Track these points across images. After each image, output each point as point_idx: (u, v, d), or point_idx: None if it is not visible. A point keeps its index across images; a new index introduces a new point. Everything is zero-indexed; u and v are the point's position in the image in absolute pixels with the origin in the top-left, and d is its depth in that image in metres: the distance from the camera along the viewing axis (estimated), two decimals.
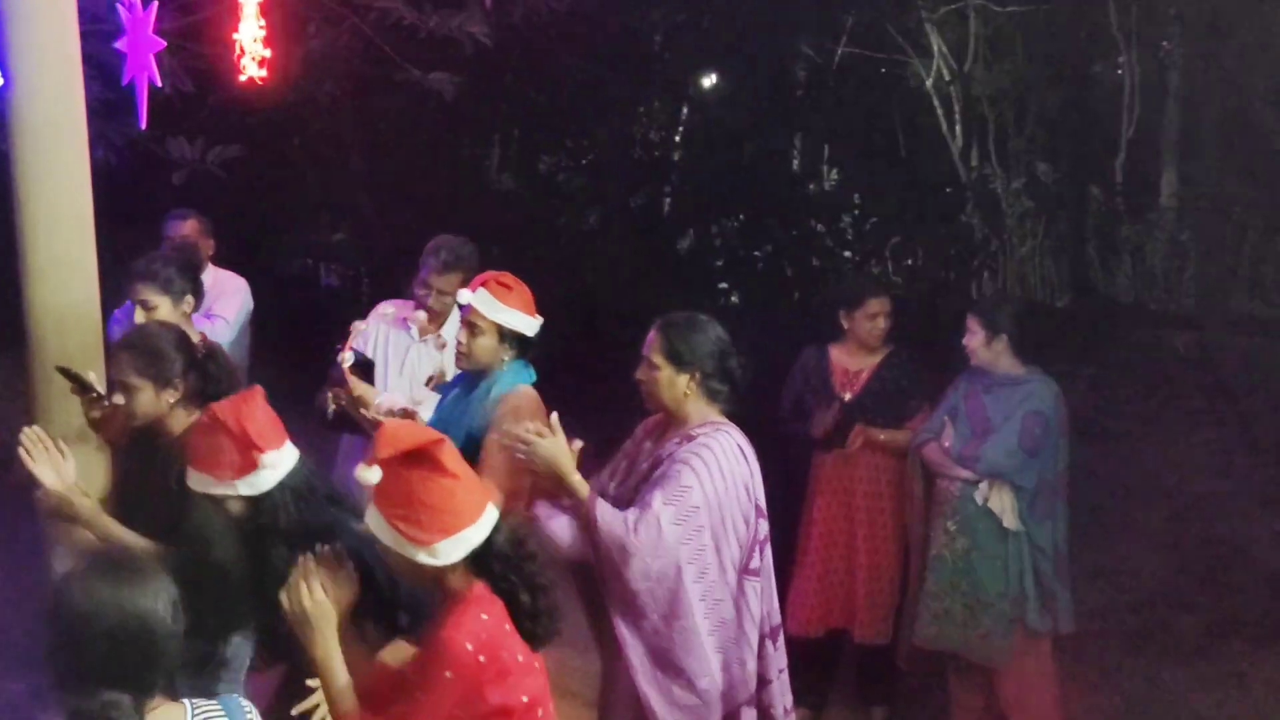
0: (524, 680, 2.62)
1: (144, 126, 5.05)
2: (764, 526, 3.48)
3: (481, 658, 2.53)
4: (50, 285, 4.71)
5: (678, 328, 3.47)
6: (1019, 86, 12.18)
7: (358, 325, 4.37)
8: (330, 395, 4.16)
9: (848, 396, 4.77)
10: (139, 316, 4.14)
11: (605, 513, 3.26)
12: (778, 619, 3.61)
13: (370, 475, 2.65)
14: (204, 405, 3.50)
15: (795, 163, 13.03)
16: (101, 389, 4.07)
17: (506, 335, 3.85)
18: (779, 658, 3.59)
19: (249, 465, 3.03)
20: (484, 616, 2.59)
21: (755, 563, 3.44)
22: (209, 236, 5.51)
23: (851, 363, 4.88)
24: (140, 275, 4.21)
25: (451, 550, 2.58)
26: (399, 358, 4.75)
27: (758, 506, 3.44)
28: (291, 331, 9.28)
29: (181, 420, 3.59)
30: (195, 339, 4.11)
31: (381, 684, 2.70)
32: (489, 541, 2.63)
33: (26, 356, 4.78)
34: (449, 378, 4.56)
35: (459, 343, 3.91)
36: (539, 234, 12.29)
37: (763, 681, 3.52)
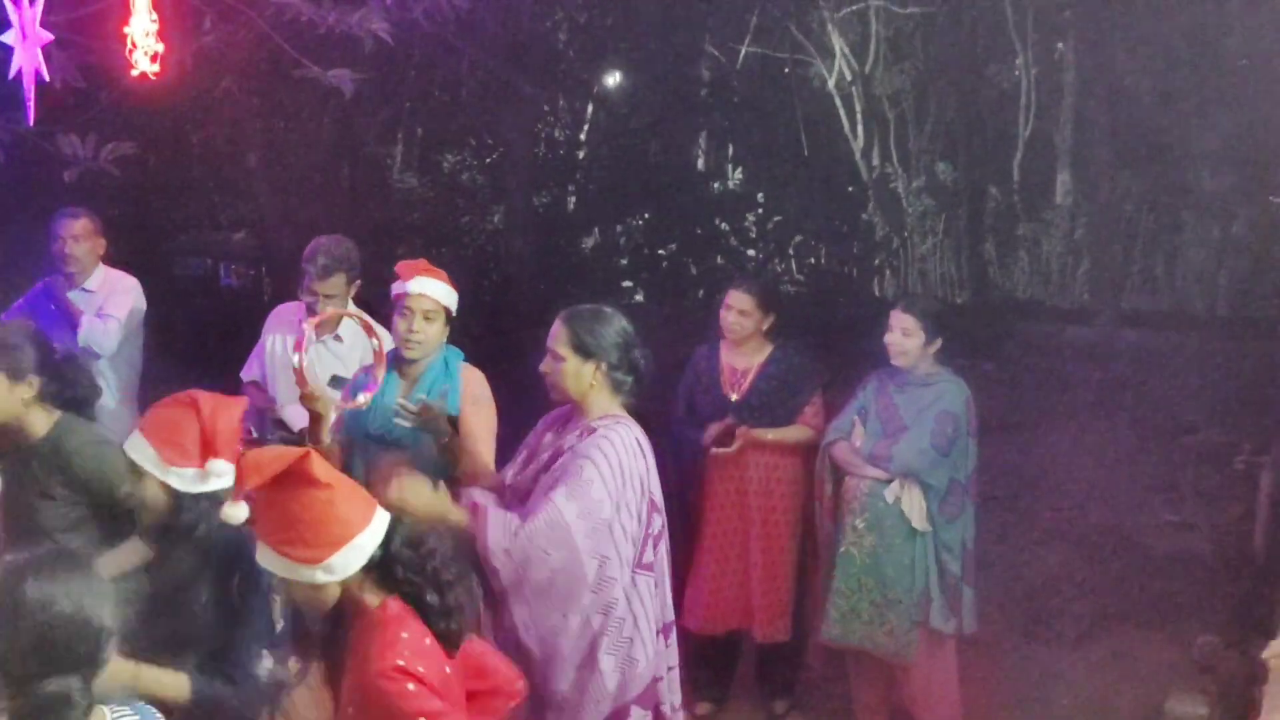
0: (448, 691, 2.55)
1: (31, 122, 4.90)
2: (658, 521, 3.48)
3: (420, 667, 2.46)
4: None
5: (583, 318, 3.46)
6: (919, 87, 12.43)
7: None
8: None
9: (734, 396, 4.77)
10: None
11: (494, 530, 3.24)
12: (671, 615, 3.61)
13: (238, 512, 2.57)
14: (62, 409, 3.42)
15: (700, 162, 13.14)
16: None
17: (448, 315, 3.93)
18: (670, 655, 3.58)
19: (196, 462, 2.92)
20: (404, 635, 2.49)
21: (648, 557, 3.44)
22: (100, 235, 5.35)
23: (739, 361, 4.86)
24: None
25: (346, 562, 2.47)
26: (295, 359, 4.68)
27: (652, 501, 3.44)
28: (191, 333, 9.12)
29: (43, 422, 3.39)
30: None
31: None
32: (385, 548, 2.53)
33: None
34: (348, 376, 4.52)
35: (410, 330, 3.86)
36: (442, 233, 12.23)
37: (655, 680, 3.51)
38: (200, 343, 8.80)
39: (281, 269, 11.64)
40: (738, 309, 4.75)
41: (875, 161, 12.60)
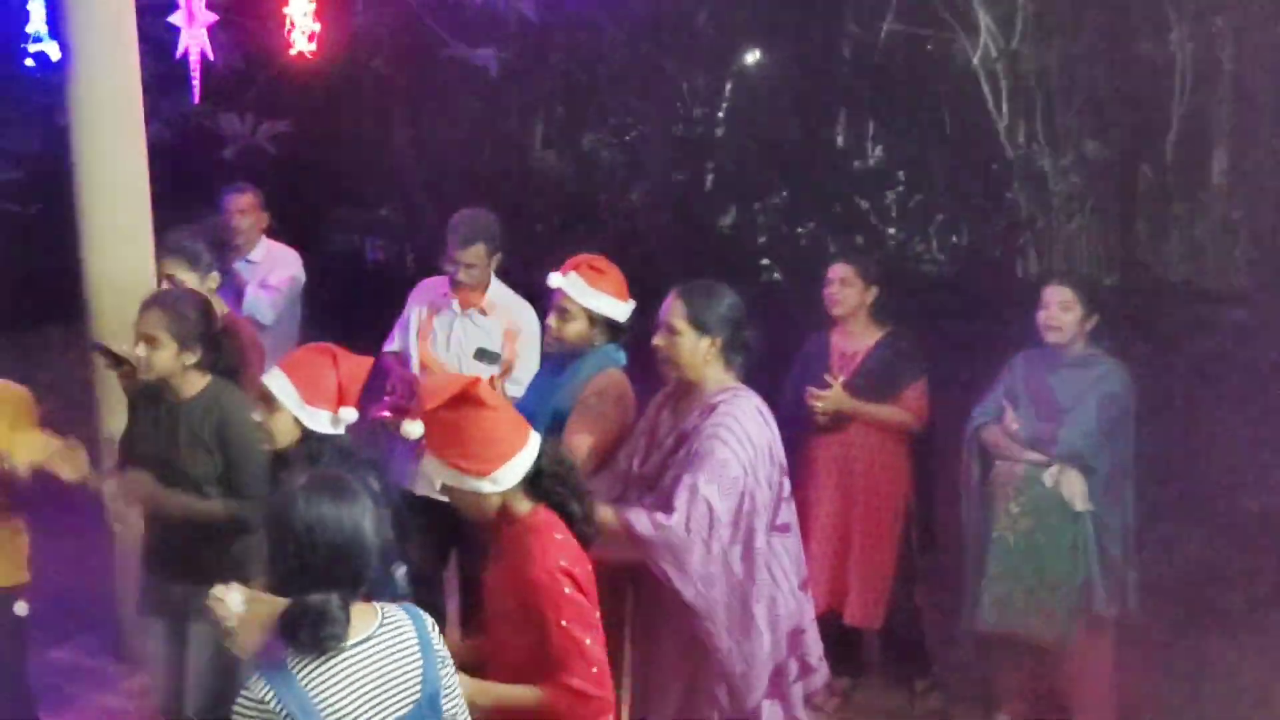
0: (589, 577, 2.87)
1: (197, 101, 5.11)
2: (787, 484, 3.51)
3: (577, 569, 2.80)
4: (107, 256, 4.83)
5: (698, 293, 3.45)
6: (1067, 63, 12.09)
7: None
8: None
9: (841, 379, 4.74)
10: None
11: (643, 523, 3.30)
12: (805, 571, 3.64)
13: (414, 428, 2.88)
14: (212, 374, 3.71)
15: (839, 139, 13.00)
16: (135, 364, 4.18)
17: (597, 320, 3.84)
18: (810, 608, 3.64)
19: (332, 407, 3.23)
20: (558, 536, 2.85)
21: (783, 518, 3.47)
22: (263, 209, 5.56)
23: (848, 345, 4.83)
24: (170, 250, 4.28)
25: (509, 475, 2.83)
26: (444, 333, 4.79)
27: (780, 466, 3.46)
28: (338, 306, 9.38)
29: (195, 383, 3.69)
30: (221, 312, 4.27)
31: (507, 652, 2.89)
32: (538, 464, 2.88)
33: (84, 325, 4.91)
34: (495, 349, 4.63)
35: (549, 326, 3.91)
36: (580, 211, 12.34)
37: (797, 631, 3.55)
38: (347, 316, 9.06)
39: (425, 245, 11.92)
40: (839, 279, 4.71)
41: (1020, 139, 12.29)
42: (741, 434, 3.34)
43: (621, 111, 12.60)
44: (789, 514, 3.54)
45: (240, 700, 2.33)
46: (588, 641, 2.78)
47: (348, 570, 2.39)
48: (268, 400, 3.22)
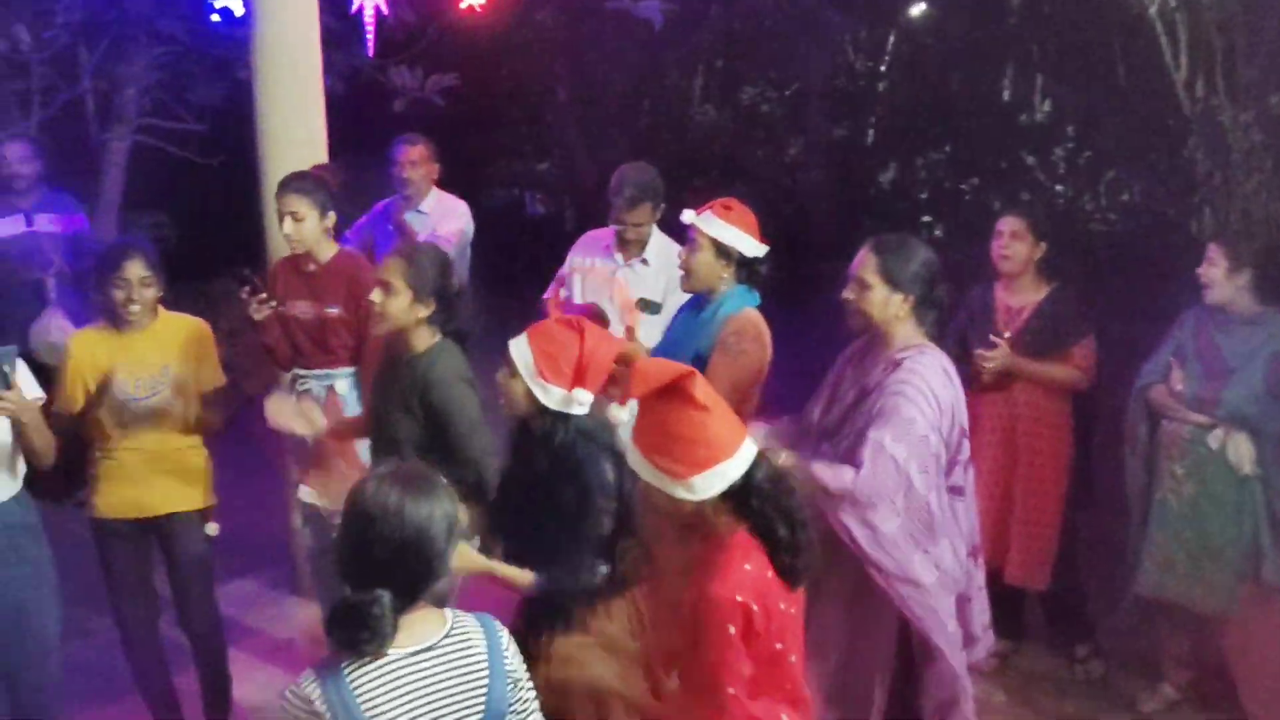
0: (785, 627, 2.61)
1: (371, 55, 5.24)
2: (966, 447, 3.47)
3: (754, 607, 2.51)
4: None
5: (892, 247, 3.41)
6: (1251, 12, 11.46)
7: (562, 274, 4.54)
8: None
9: (1007, 334, 4.64)
10: (288, 225, 4.36)
11: (830, 475, 3.30)
12: (977, 538, 3.61)
13: (620, 414, 2.75)
14: (443, 335, 3.73)
15: (1006, 93, 12.63)
16: (269, 295, 4.38)
17: (724, 252, 3.92)
18: (979, 575, 3.61)
19: (566, 385, 3.11)
20: (747, 567, 2.55)
21: (958, 480, 3.45)
22: (434, 160, 5.68)
23: (1014, 299, 4.73)
24: (291, 188, 4.42)
25: (708, 485, 2.53)
26: (606, 283, 4.88)
27: (961, 428, 3.42)
28: (499, 258, 9.58)
29: (424, 341, 3.68)
30: (332, 252, 4.46)
31: (656, 659, 2.77)
32: (748, 477, 2.56)
33: (263, 273, 5.13)
34: (657, 299, 4.70)
35: (681, 260, 4.03)
36: (739, 165, 12.29)
37: (963, 599, 3.53)
38: (507, 269, 9.25)
39: (584, 199, 12.05)
40: (1009, 232, 4.62)
41: (1199, 93, 11.74)
42: (927, 391, 3.32)
43: (782, 64, 12.45)
44: (966, 478, 3.50)
45: (289, 694, 2.25)
46: (730, 691, 2.53)
47: (406, 570, 2.24)
48: (509, 364, 3.16)
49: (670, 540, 2.77)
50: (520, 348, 3.14)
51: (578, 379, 3.11)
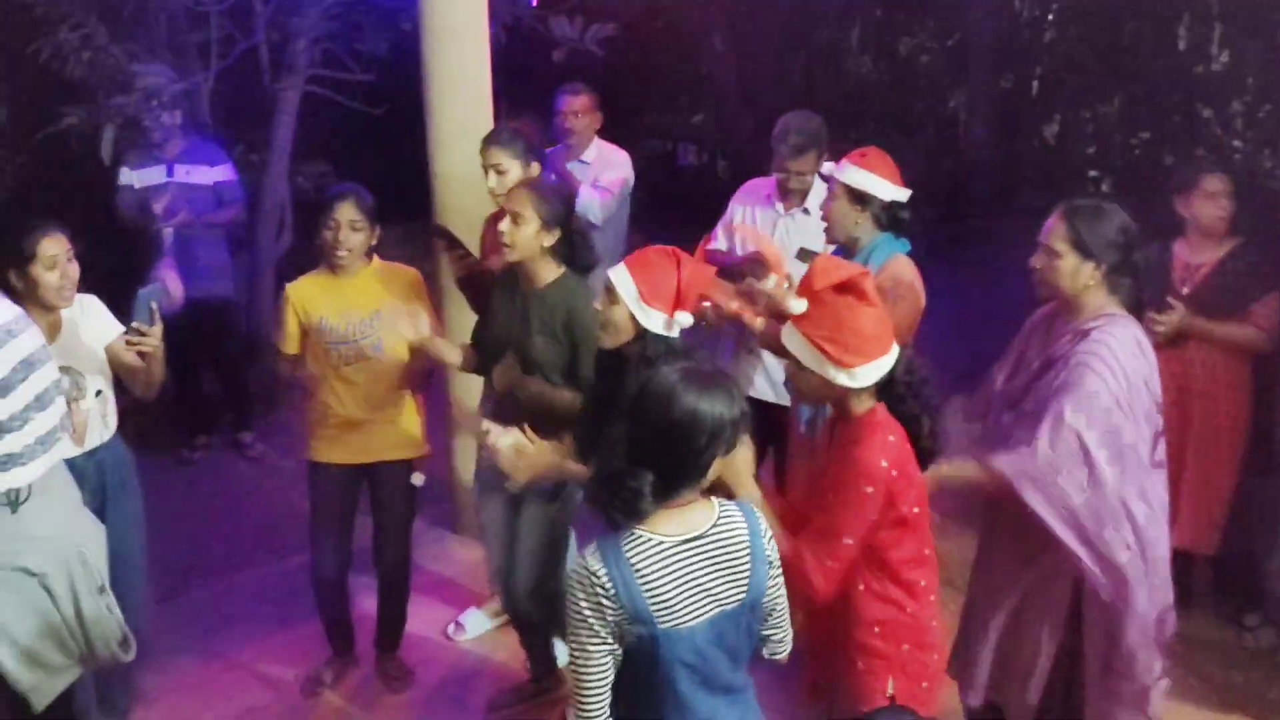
0: (920, 493, 2.90)
1: (534, 3, 5.27)
2: (1159, 420, 3.34)
3: (894, 472, 2.80)
4: (451, 155, 5.13)
5: (1084, 214, 3.27)
6: None
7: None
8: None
9: (1185, 290, 4.47)
10: (491, 179, 4.40)
11: (1004, 463, 3.22)
12: (1167, 509, 3.51)
13: (798, 305, 2.88)
14: (565, 269, 3.86)
15: (1181, 42, 12.07)
16: (469, 250, 4.44)
17: (858, 198, 3.92)
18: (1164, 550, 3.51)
19: (668, 309, 3.25)
20: (891, 438, 2.84)
21: (1159, 455, 3.33)
22: (597, 110, 5.71)
23: (1193, 256, 4.54)
24: (494, 142, 4.47)
25: (868, 374, 2.82)
26: (767, 232, 4.85)
27: (1157, 402, 3.30)
28: (651, 209, 9.59)
29: (551, 271, 3.83)
30: None
31: (794, 508, 3.01)
32: (890, 371, 2.87)
33: (428, 220, 5.24)
34: (817, 248, 4.65)
35: (822, 211, 4.03)
36: (896, 119, 12.05)
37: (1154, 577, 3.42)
38: (660, 219, 9.26)
39: (737, 151, 11.98)
40: (1223, 191, 4.44)
41: None
42: (1114, 364, 3.20)
43: (944, 14, 12.13)
44: (1162, 453, 3.39)
45: (575, 568, 2.45)
46: (846, 540, 2.81)
47: (670, 456, 2.44)
48: (610, 293, 3.30)
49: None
50: (621, 276, 3.28)
51: (678, 303, 3.26)
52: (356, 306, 4.22)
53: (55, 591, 3.07)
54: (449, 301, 5.18)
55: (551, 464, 3.45)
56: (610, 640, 2.43)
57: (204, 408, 6.93)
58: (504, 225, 3.78)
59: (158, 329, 3.68)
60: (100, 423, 3.85)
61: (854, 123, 11.40)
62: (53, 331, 3.73)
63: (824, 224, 4.05)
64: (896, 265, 3.89)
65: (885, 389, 2.89)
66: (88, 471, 3.78)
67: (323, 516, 4.39)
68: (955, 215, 9.70)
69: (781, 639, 2.71)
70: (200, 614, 5.03)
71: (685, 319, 3.30)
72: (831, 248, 4.17)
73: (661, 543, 2.44)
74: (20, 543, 3.02)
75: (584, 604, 2.41)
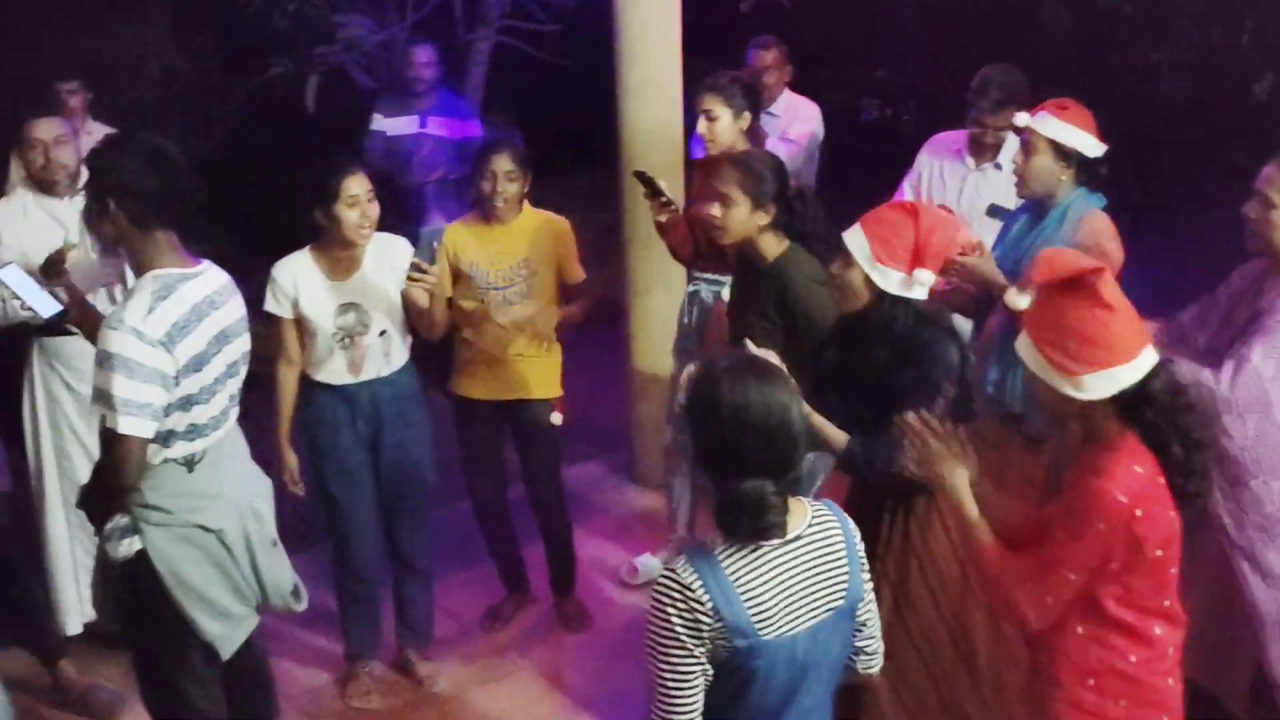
0: (1168, 535, 2.52)
1: None
2: None
3: (1137, 511, 2.43)
4: (640, 105, 5.17)
5: None
6: None
7: None
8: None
9: None
10: (702, 125, 4.41)
11: (1184, 366, 3.09)
12: None
13: (1019, 300, 2.68)
14: (791, 239, 3.72)
15: None
16: (671, 197, 4.46)
17: (1063, 153, 3.75)
18: None
19: (905, 268, 3.08)
20: (1138, 469, 2.46)
21: None
22: (787, 63, 5.65)
23: None
24: (709, 87, 4.47)
25: (1099, 386, 2.46)
26: (955, 188, 4.75)
27: None
28: (833, 164, 9.47)
29: (774, 247, 3.69)
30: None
31: (1019, 524, 2.71)
32: (1143, 386, 2.47)
33: (616, 170, 5.30)
34: (1009, 205, 4.53)
35: (1015, 166, 3.85)
36: (1093, 72, 11.56)
37: None
38: (841, 176, 9.13)
39: (922, 106, 11.70)
40: None
41: None
42: None
43: None
44: None
45: (664, 582, 2.28)
46: (1069, 576, 2.48)
47: (775, 457, 2.26)
48: (844, 255, 3.15)
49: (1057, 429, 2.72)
50: (854, 236, 3.12)
51: (916, 260, 3.07)
52: (506, 254, 4.32)
53: (231, 545, 3.16)
54: (632, 252, 5.25)
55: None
56: (702, 658, 2.26)
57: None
58: (714, 209, 3.67)
59: (436, 268, 3.88)
60: (381, 359, 4.04)
61: (1047, 77, 11.01)
62: (349, 268, 3.94)
63: (1017, 179, 3.92)
64: (1095, 220, 3.75)
65: (1133, 408, 2.49)
66: (360, 399, 4.04)
67: (472, 450, 4.55)
68: (1152, 173, 9.28)
69: (875, 651, 2.55)
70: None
71: (927, 277, 3.09)
72: (1019, 203, 4.06)
73: (758, 547, 2.29)
74: (197, 500, 3.10)
75: (675, 620, 2.23)
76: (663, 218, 4.46)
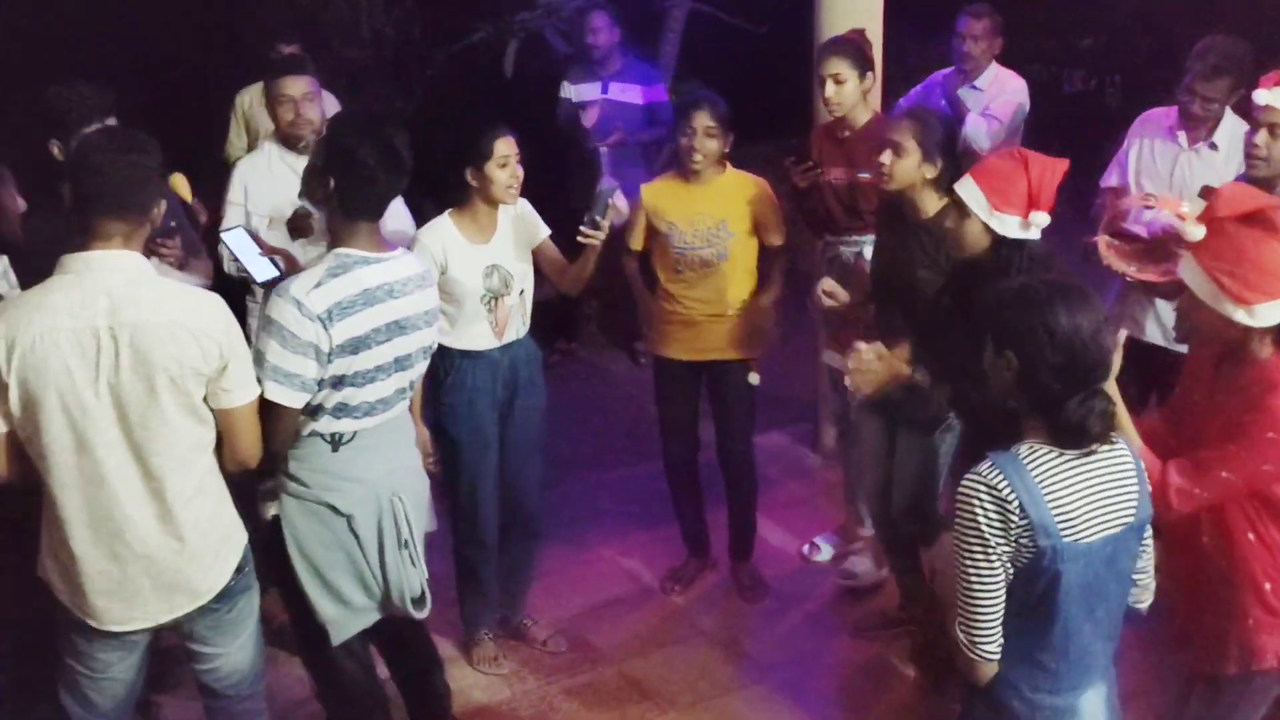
0: None
1: None
2: None
3: None
4: None
5: None
6: None
7: None
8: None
9: None
10: (829, 88, 4.36)
11: None
12: None
13: (1197, 231, 2.73)
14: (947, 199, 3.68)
15: None
16: (817, 162, 4.45)
17: None
18: None
19: (1021, 213, 3.18)
20: None
21: None
22: (999, 34, 5.45)
23: None
24: (832, 50, 4.42)
25: (1270, 314, 2.65)
26: (1166, 168, 4.52)
27: None
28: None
29: (934, 202, 3.75)
30: (867, 117, 4.45)
31: (1174, 430, 2.90)
32: None
33: (808, 138, 5.23)
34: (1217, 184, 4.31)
35: (1254, 145, 3.61)
36: None
37: None
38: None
39: (1129, 78, 11.21)
40: None
41: None
42: None
43: None
44: None
45: (972, 482, 2.39)
46: (1224, 475, 2.69)
47: (1103, 370, 2.41)
48: (960, 208, 3.25)
49: (1204, 357, 2.88)
50: (968, 187, 3.23)
51: (1031, 203, 3.18)
52: (705, 213, 4.31)
53: (361, 535, 3.12)
54: None
55: (896, 375, 3.50)
56: (1005, 559, 2.38)
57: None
58: (884, 156, 3.73)
59: (607, 224, 3.92)
60: (520, 321, 4.11)
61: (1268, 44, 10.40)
62: (489, 231, 4.00)
63: (1255, 160, 3.66)
64: None
65: None
66: (501, 365, 4.06)
67: (668, 408, 4.59)
68: None
69: (1146, 584, 2.65)
70: (571, 505, 5.31)
71: (1042, 219, 3.20)
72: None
73: (1062, 454, 2.40)
74: (334, 480, 3.08)
75: (982, 520, 2.35)
76: (804, 183, 4.44)
